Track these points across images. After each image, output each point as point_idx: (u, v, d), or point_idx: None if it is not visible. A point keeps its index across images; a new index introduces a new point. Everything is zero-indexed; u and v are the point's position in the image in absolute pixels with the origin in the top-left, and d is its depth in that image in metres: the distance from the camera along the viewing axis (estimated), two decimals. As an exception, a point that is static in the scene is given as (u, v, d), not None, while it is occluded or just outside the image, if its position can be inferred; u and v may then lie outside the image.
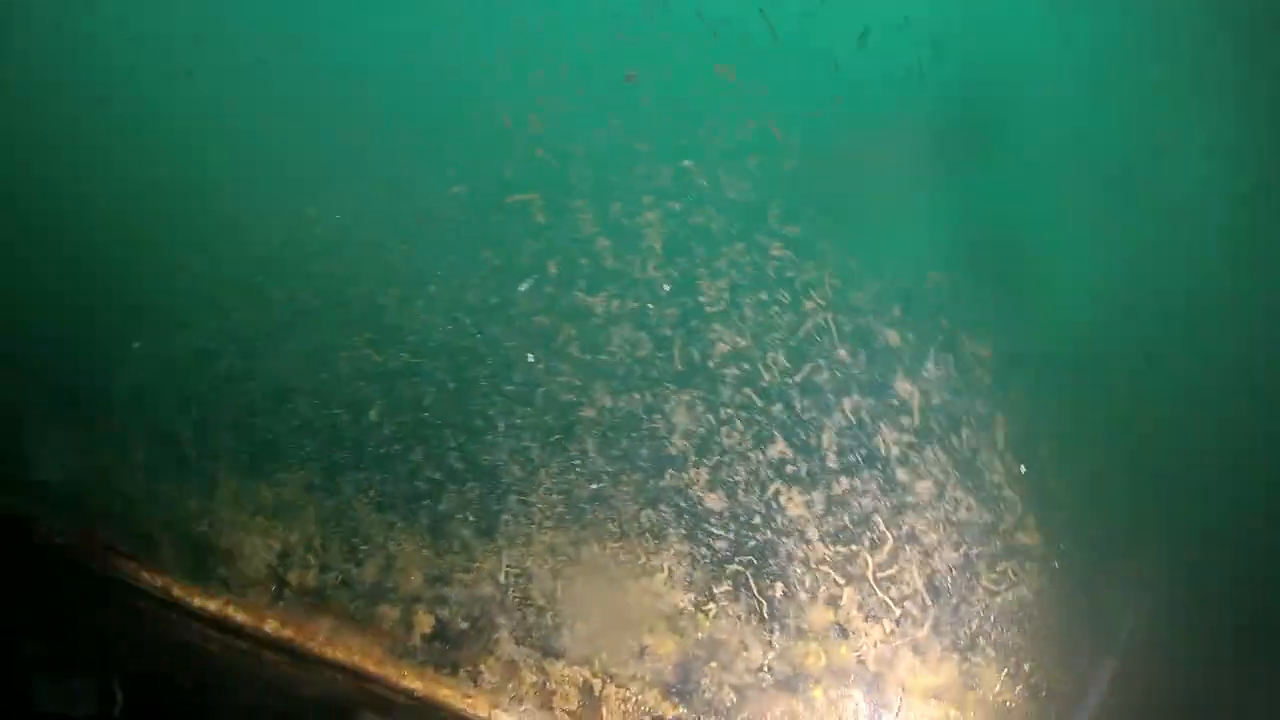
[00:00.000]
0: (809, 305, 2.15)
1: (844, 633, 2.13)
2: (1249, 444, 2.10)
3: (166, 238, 2.20)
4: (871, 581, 2.13)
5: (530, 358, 2.15)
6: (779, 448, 2.12)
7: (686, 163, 2.18)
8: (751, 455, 2.13)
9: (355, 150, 2.10)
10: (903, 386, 2.15)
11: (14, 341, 2.43)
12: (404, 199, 2.11)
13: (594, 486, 2.19)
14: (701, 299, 2.11)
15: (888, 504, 2.10)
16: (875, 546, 2.09)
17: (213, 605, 2.22)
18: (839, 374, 2.13)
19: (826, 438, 2.14)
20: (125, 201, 2.29)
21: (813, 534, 2.13)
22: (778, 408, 2.14)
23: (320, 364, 2.21)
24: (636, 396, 2.13)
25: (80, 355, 2.39)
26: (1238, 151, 1.99)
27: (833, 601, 2.13)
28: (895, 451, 2.15)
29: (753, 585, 2.19)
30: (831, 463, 2.13)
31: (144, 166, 2.23)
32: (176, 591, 2.25)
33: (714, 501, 2.17)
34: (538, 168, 2.03)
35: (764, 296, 2.16)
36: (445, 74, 2.01)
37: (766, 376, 2.12)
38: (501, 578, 2.21)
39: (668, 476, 2.17)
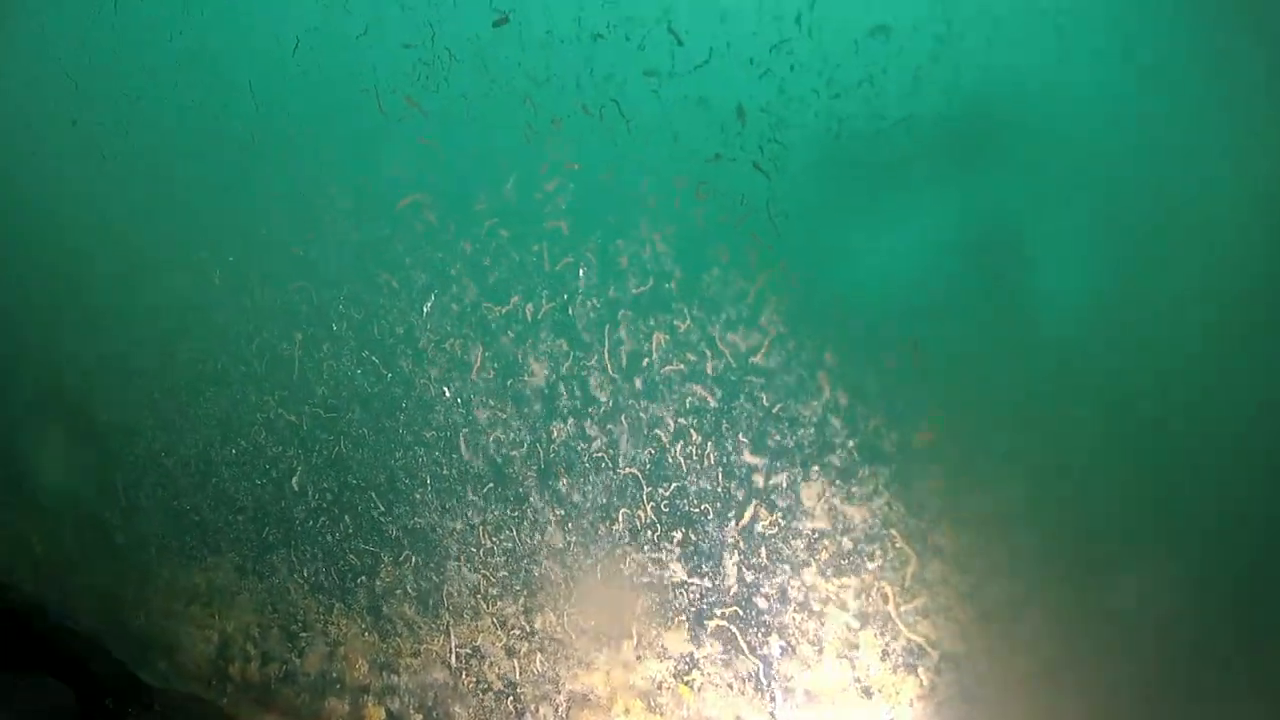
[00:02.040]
0: (762, 320, 1.70)
1: (867, 693, 1.69)
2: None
3: (69, 308, 1.98)
4: (895, 618, 1.68)
5: (446, 393, 1.80)
6: (750, 458, 1.69)
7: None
8: (719, 478, 1.72)
9: (229, 179, 1.79)
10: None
11: None
12: (291, 224, 1.79)
13: (539, 538, 1.83)
14: (634, 289, 1.69)
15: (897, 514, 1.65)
16: (893, 567, 1.63)
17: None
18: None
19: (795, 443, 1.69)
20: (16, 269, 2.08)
21: (809, 562, 1.69)
22: (745, 414, 1.71)
23: (236, 430, 1.94)
24: (572, 423, 1.74)
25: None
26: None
27: (848, 652, 1.69)
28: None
29: (742, 642, 1.77)
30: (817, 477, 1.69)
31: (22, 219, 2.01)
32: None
33: (683, 543, 1.76)
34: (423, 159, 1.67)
35: (714, 274, 1.71)
36: (304, 64, 1.67)
37: (717, 369, 1.69)
38: (452, 660, 1.89)
39: (620, 518, 1.78)
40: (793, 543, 1.72)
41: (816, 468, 1.69)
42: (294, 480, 1.93)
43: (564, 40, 1.63)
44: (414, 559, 1.89)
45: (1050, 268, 1.55)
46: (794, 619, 1.75)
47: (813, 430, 1.66)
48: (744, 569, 1.75)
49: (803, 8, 1.52)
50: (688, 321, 1.68)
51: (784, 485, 1.71)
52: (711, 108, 1.59)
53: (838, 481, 1.68)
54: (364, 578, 1.94)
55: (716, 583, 1.77)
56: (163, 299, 1.96)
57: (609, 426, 1.74)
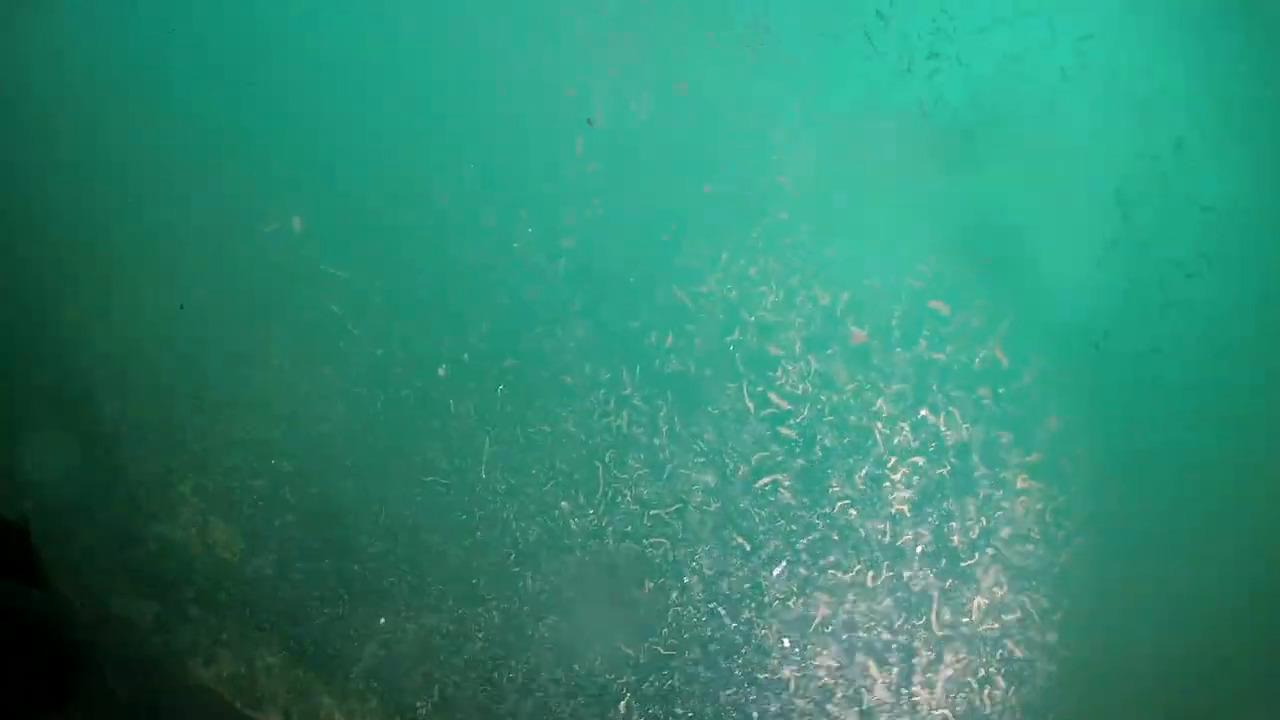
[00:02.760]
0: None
1: None
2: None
3: (427, 527, 2.22)
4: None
5: (785, 643, 2.09)
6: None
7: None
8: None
9: (599, 449, 2.08)
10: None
11: (267, 585, 2.48)
12: (653, 491, 2.09)
13: None
14: (963, 563, 2.03)
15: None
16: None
17: None
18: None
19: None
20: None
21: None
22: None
23: (570, 655, 2.19)
24: (896, 673, 2.05)
25: (326, 617, 2.42)
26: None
27: None
28: None
29: None
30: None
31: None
32: None
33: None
34: (785, 443, 1.98)
35: (1027, 549, 2.06)
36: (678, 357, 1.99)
37: (1028, 626, 2.03)
38: None
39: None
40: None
41: (1098, 700, 2.02)
42: (621, 705, 2.19)
43: (907, 354, 1.98)
44: (727, 780, 2.15)
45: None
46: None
47: (1098, 673, 2.00)
48: (1032, 801, 2.06)
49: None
50: (1004, 589, 2.01)
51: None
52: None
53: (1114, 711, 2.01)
54: (672, 791, 2.19)
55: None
56: (517, 537, 2.22)
57: (928, 675, 2.05)
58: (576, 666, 2.20)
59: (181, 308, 2.48)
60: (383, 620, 2.32)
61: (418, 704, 2.33)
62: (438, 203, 2.23)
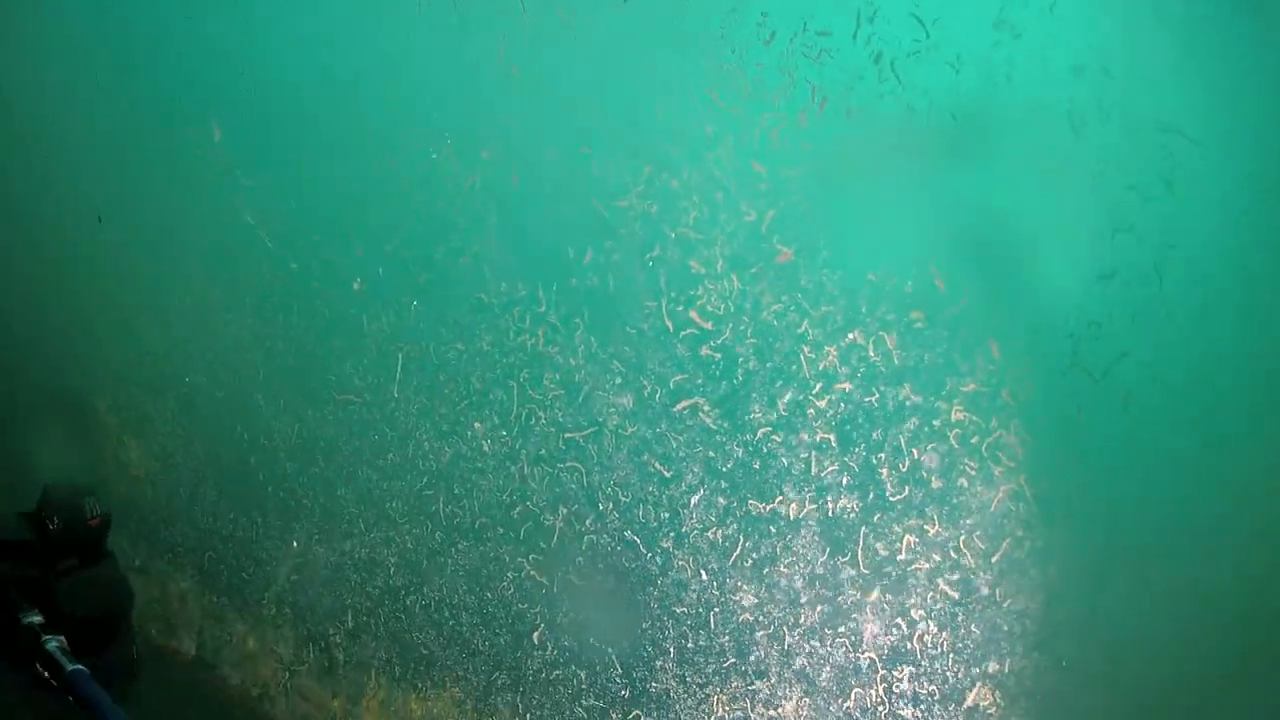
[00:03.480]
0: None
1: None
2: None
3: (340, 448, 2.12)
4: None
5: (703, 575, 1.98)
6: (979, 647, 1.90)
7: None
8: (950, 662, 1.92)
9: (513, 370, 1.97)
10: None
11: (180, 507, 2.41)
12: (570, 415, 1.97)
13: (772, 712, 2.01)
14: (891, 497, 1.91)
15: None
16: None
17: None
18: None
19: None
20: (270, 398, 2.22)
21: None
22: (979, 606, 1.93)
23: (484, 583, 2.10)
24: (820, 610, 1.94)
25: (240, 541, 2.35)
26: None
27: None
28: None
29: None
30: None
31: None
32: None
33: (907, 714, 1.97)
34: (705, 365, 1.86)
35: (962, 485, 1.93)
36: (598, 274, 1.86)
37: (959, 568, 1.91)
38: (673, 812, 2.05)
39: (853, 696, 1.98)
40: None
41: (1037, 653, 1.90)
42: (535, 634, 2.09)
43: (837, 275, 1.84)
44: (642, 719, 2.06)
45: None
46: (1001, 797, 1.96)
47: (1037, 622, 1.89)
48: (960, 749, 1.95)
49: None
50: (936, 525, 1.89)
51: (1007, 670, 1.93)
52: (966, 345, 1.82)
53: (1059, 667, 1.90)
54: (588, 728, 2.10)
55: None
56: (430, 458, 2.12)
57: (854, 615, 1.94)
58: (489, 594, 2.10)
59: (100, 220, 2.37)
60: (295, 544, 2.23)
61: (330, 631, 2.25)
62: (356, 113, 2.09)
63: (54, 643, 1.44)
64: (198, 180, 2.24)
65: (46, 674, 1.40)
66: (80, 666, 1.39)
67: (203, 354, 2.29)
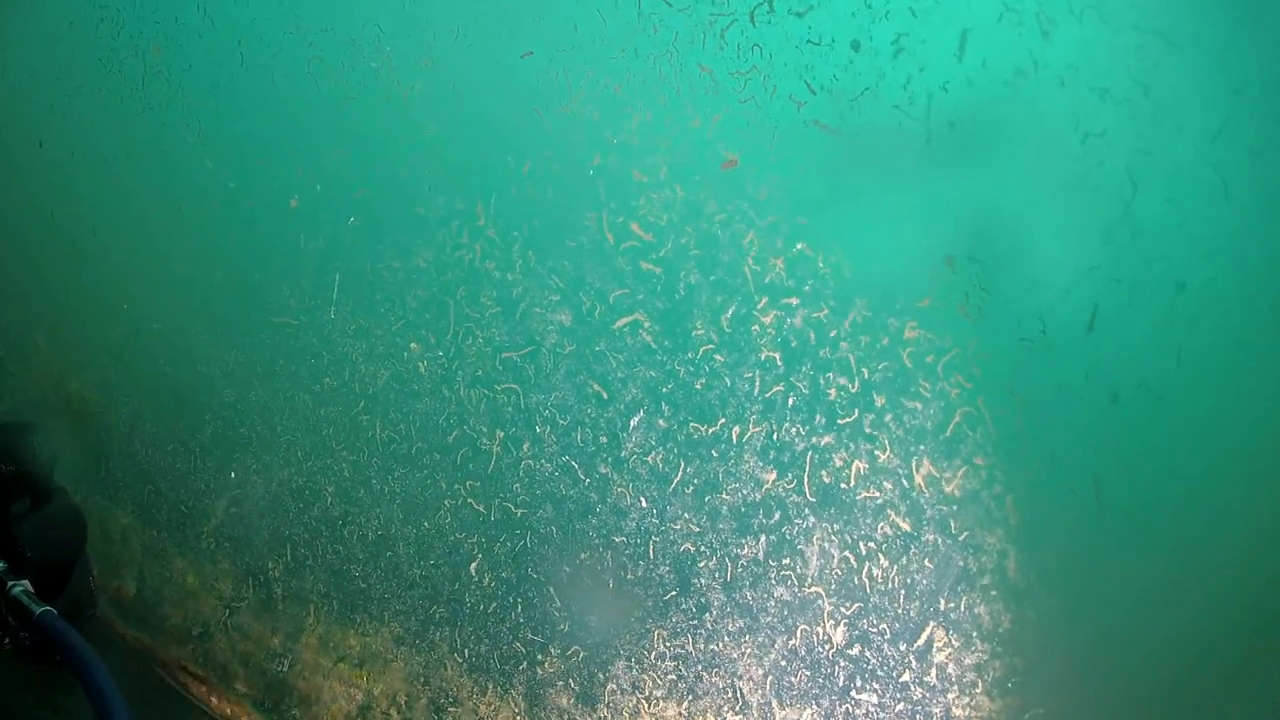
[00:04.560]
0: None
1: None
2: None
3: (276, 373, 2.04)
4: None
5: (642, 502, 1.88)
6: (932, 582, 1.79)
7: None
8: (901, 600, 1.82)
9: (451, 286, 1.88)
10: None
11: (119, 440, 2.34)
12: (507, 333, 1.88)
13: (714, 647, 1.91)
14: (840, 420, 1.80)
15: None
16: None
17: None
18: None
19: None
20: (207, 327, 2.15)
21: (977, 683, 1.79)
22: (932, 541, 1.82)
23: (421, 512, 2.01)
24: (764, 540, 1.84)
25: (179, 473, 2.27)
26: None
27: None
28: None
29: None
30: None
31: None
32: None
33: (857, 660, 1.86)
34: (647, 280, 1.76)
35: (916, 407, 1.82)
36: (537, 183, 1.77)
37: (910, 497, 1.80)
38: (608, 753, 1.96)
39: (798, 634, 1.87)
40: (964, 663, 1.81)
41: (995, 592, 1.79)
42: (472, 566, 2.00)
43: (791, 183, 1.74)
44: (581, 654, 1.96)
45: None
46: (956, 741, 1.84)
47: (994, 557, 1.77)
48: (914, 688, 1.84)
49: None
50: (887, 452, 1.78)
51: (962, 608, 1.81)
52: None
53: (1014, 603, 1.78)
54: (525, 665, 2.01)
55: (884, 700, 1.86)
56: (365, 381, 2.03)
57: (800, 546, 1.83)
58: (426, 524, 2.01)
59: (40, 145, 2.30)
60: (233, 474, 2.15)
61: (269, 565, 2.17)
62: (292, 25, 2.01)
63: (19, 588, 1.38)
64: (138, 99, 2.16)
65: (13, 621, 1.35)
66: (48, 608, 1.34)
67: (142, 280, 2.22)
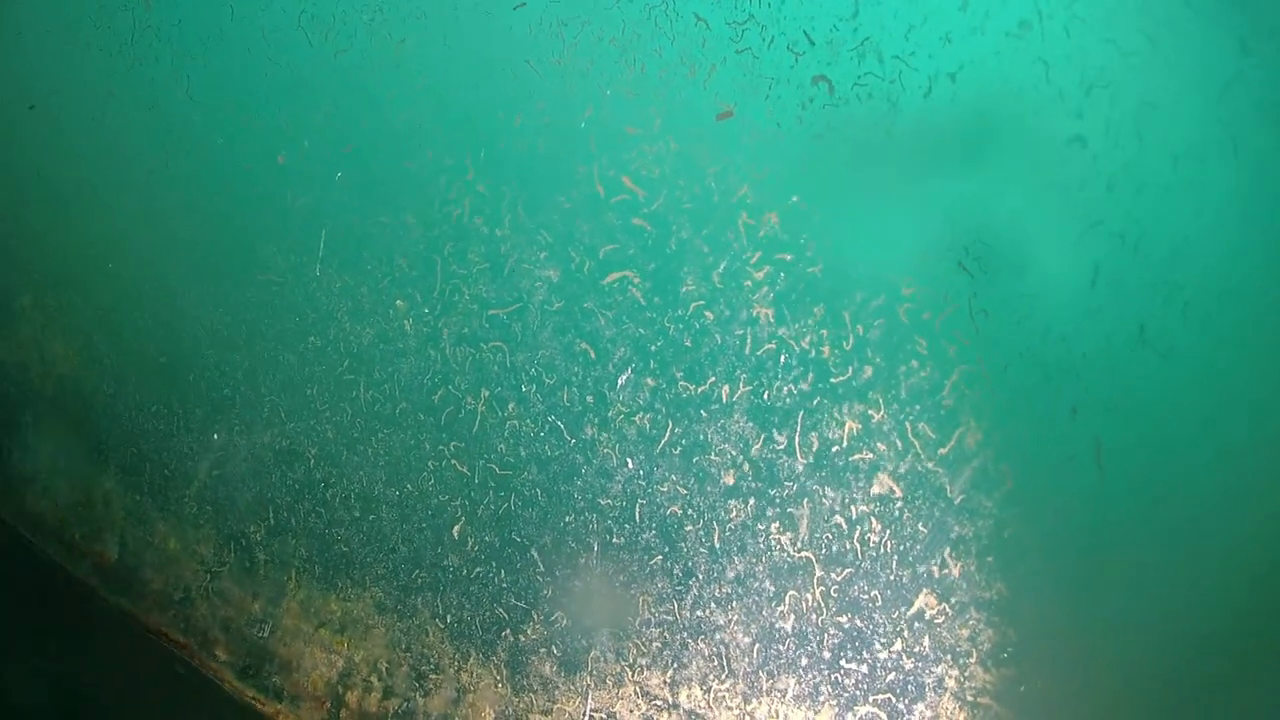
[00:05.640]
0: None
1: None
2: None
3: (261, 333, 2.00)
4: None
5: (629, 464, 1.84)
6: (926, 548, 1.73)
7: None
8: (893, 566, 1.76)
9: (438, 241, 1.84)
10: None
11: (104, 404, 2.30)
12: (494, 290, 1.84)
13: (700, 614, 1.86)
14: (833, 379, 1.75)
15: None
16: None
17: (264, 711, 2.03)
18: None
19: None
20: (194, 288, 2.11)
21: (971, 651, 1.73)
22: (927, 505, 1.76)
23: (404, 474, 1.96)
24: (753, 504, 1.79)
25: (162, 435, 2.23)
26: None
27: None
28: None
29: (897, 734, 1.80)
30: None
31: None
32: (225, 688, 2.09)
33: (847, 628, 1.80)
34: (637, 235, 1.72)
35: (912, 366, 1.77)
36: (527, 138, 1.73)
37: (905, 459, 1.75)
38: (589, 722, 1.90)
39: (787, 600, 1.81)
40: (958, 633, 1.75)
41: (990, 558, 1.73)
42: (455, 530, 1.95)
43: (787, 135, 1.70)
44: (565, 620, 1.91)
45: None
46: (947, 709, 1.78)
47: (991, 521, 1.71)
48: (906, 658, 1.78)
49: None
50: (882, 412, 1.73)
51: (957, 575, 1.75)
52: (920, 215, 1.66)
53: (1010, 571, 1.72)
54: (508, 631, 1.95)
55: (875, 670, 1.80)
56: (351, 340, 1.99)
57: (790, 510, 1.78)
58: (409, 487, 1.97)
59: (31, 108, 2.28)
60: (216, 436, 2.11)
61: (251, 529, 2.13)
62: (287, -24, 1.98)
63: None
64: (128, 54, 2.13)
65: None
66: None
67: (129, 240, 2.18)
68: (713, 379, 1.80)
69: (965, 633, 1.76)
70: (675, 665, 1.89)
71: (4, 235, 2.42)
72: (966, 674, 1.78)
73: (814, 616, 1.82)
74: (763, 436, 1.79)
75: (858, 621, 1.81)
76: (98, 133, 2.26)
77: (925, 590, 1.78)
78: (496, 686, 1.99)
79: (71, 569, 2.39)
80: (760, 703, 1.86)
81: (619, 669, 1.91)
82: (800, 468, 1.79)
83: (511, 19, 1.85)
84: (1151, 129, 1.67)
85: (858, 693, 1.83)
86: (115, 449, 2.33)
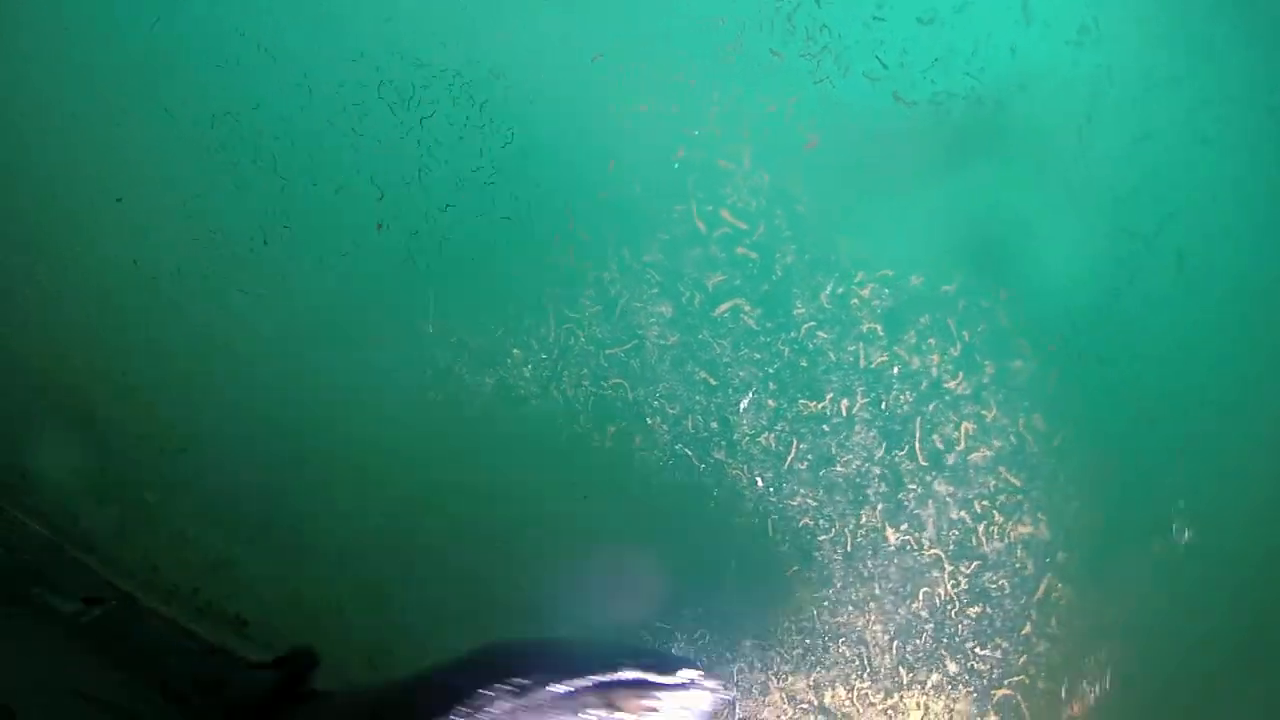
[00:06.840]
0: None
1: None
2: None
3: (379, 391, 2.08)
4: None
5: (759, 483, 1.92)
6: (1047, 534, 1.83)
7: None
8: (1019, 554, 1.85)
9: (551, 284, 1.92)
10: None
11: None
12: (610, 331, 1.92)
13: (839, 619, 1.95)
14: (946, 384, 1.84)
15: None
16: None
17: None
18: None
19: None
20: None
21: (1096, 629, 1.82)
22: (1043, 494, 1.85)
23: (537, 507, 2.05)
24: (881, 508, 1.88)
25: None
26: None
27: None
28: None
29: (1026, 713, 1.90)
30: None
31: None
32: None
33: (979, 618, 1.89)
34: (743, 265, 1.80)
35: (1017, 366, 1.86)
36: (622, 181, 1.81)
37: (1021, 453, 1.84)
38: (745, 730, 2.00)
39: (920, 596, 1.91)
40: (1084, 611, 1.85)
41: (1109, 541, 1.82)
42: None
43: (875, 158, 1.78)
44: (708, 637, 2.00)
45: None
46: (1084, 687, 1.88)
47: (1104, 513, 1.81)
48: (1037, 640, 1.88)
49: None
50: (994, 411, 1.82)
51: (1078, 560, 1.85)
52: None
53: (1127, 555, 1.82)
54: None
55: (1008, 655, 1.89)
56: (477, 390, 2.07)
57: (916, 511, 1.87)
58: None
59: (119, 200, 2.35)
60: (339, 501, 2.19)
61: (386, 570, 2.21)
62: (358, 53, 2.06)
63: None
64: (213, 140, 2.21)
65: None
66: None
67: (240, 322, 2.26)
68: (831, 394, 1.89)
69: (1092, 610, 1.86)
70: (818, 669, 1.99)
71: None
72: (1098, 656, 1.87)
73: (947, 609, 1.91)
74: (884, 444, 1.88)
75: (988, 609, 1.91)
76: (188, 222, 2.34)
77: (1049, 575, 1.88)
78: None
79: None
80: (903, 696, 1.96)
81: (764, 678, 2.01)
82: (922, 470, 1.88)
83: (594, 70, 1.94)
84: (1207, 125, 1.75)
85: (994, 676, 1.93)
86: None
